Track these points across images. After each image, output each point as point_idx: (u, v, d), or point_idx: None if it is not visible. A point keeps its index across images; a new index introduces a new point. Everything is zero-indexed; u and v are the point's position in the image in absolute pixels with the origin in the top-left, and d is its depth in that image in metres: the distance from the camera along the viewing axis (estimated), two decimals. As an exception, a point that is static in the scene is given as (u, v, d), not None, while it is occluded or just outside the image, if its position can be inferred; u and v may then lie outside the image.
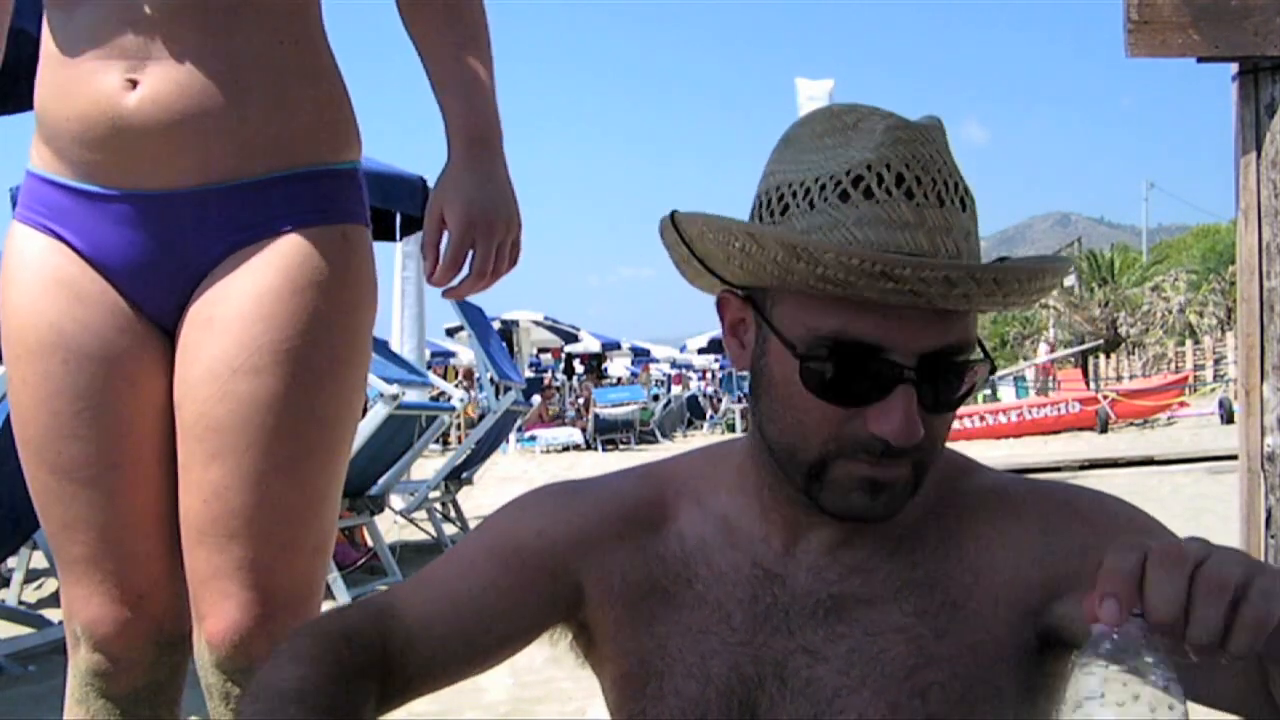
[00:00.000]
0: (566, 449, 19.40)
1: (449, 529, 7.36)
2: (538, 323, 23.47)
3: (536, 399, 19.76)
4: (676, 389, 29.94)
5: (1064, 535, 1.03)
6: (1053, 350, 28.04)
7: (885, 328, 0.93)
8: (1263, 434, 1.75)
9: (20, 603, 4.95)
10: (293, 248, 1.53)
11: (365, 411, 8.00)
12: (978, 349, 0.99)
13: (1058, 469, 10.72)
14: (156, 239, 1.53)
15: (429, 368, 13.13)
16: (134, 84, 1.49)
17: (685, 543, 1.10)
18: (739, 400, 22.96)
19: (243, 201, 1.53)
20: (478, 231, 1.51)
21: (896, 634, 1.02)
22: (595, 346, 27.15)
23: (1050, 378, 23.03)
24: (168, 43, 1.49)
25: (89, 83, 1.50)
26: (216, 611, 1.48)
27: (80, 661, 1.57)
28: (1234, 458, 1.86)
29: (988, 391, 20.64)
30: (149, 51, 1.49)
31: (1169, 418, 20.56)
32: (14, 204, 1.62)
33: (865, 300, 0.92)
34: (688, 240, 1.03)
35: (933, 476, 1.02)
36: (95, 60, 1.49)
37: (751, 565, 1.08)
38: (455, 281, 1.55)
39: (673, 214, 1.05)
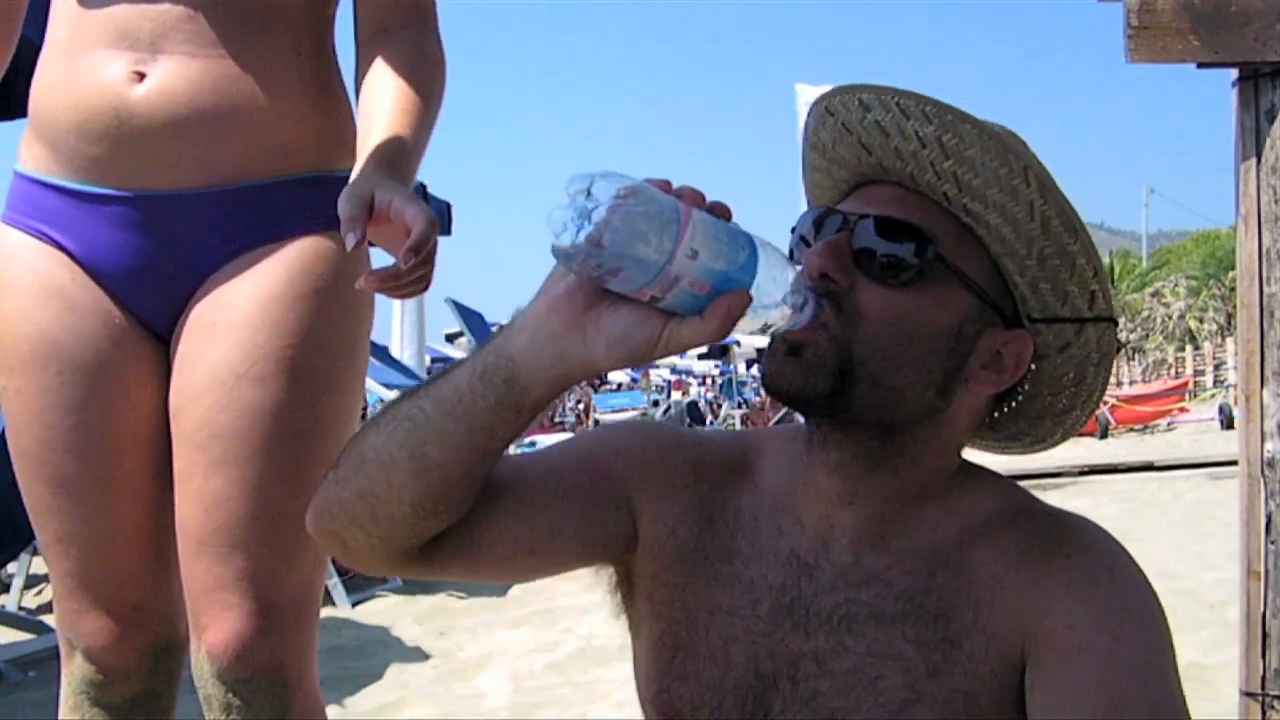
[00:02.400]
0: (566, 454, 19.36)
1: (449, 534, 7.34)
2: (538, 328, 23.39)
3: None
4: (677, 395, 29.91)
5: (1046, 589, 1.00)
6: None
7: (846, 204, 1.08)
8: (1263, 439, 1.74)
9: (20, 608, 4.95)
10: (296, 253, 1.51)
11: (365, 416, 7.99)
12: (952, 262, 1.01)
13: (1058, 474, 10.71)
14: (155, 242, 1.51)
15: (429, 373, 13.14)
16: (141, 76, 1.46)
17: (740, 515, 1.12)
18: (739, 406, 22.95)
19: (246, 205, 1.51)
20: (437, 227, 1.39)
21: (894, 661, 1.01)
22: (595, 352, 27.03)
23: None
24: (182, 39, 1.47)
25: (94, 72, 1.47)
26: (218, 623, 1.46)
27: (75, 670, 1.56)
28: (1234, 463, 1.86)
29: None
30: (161, 45, 1.46)
31: (1169, 423, 20.56)
32: None
33: (850, 180, 1.09)
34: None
35: (880, 393, 1.01)
36: (103, 50, 1.47)
37: (789, 553, 1.08)
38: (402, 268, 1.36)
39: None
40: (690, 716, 1.08)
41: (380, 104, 1.53)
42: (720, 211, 0.90)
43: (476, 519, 1.05)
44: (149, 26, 1.47)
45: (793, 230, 1.10)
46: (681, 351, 0.91)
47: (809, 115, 1.10)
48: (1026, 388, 1.10)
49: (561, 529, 1.10)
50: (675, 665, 1.09)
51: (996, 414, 1.13)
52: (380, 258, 1.51)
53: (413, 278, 1.38)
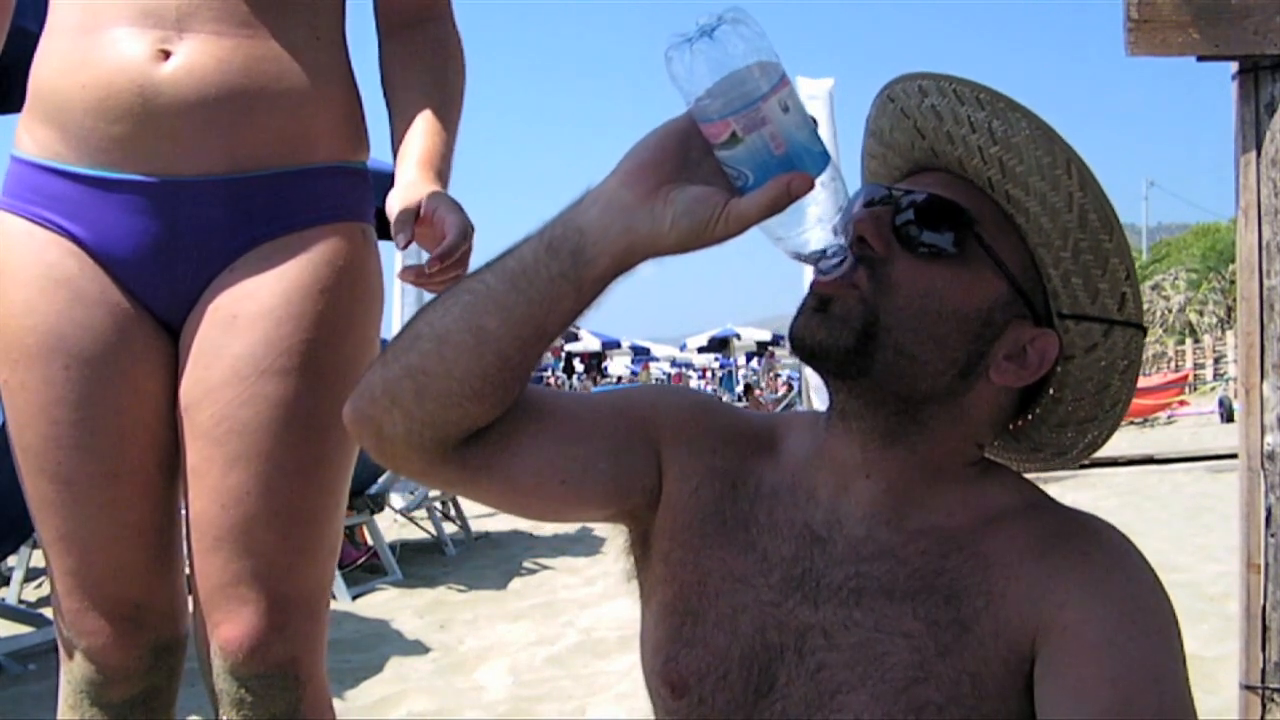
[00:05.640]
0: (566, 448, 19.34)
1: (449, 528, 7.36)
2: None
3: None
4: (676, 388, 29.93)
5: (1062, 584, 1.00)
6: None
7: (900, 182, 1.11)
8: (1263, 432, 1.74)
9: (20, 601, 4.95)
10: (318, 245, 1.50)
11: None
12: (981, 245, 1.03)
13: (1058, 467, 10.68)
14: (171, 229, 1.48)
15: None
16: (167, 55, 1.43)
17: (760, 487, 1.14)
18: (739, 399, 22.96)
19: (268, 194, 1.49)
20: (469, 237, 1.49)
21: (902, 638, 1.02)
22: (595, 345, 27.13)
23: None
24: (209, 17, 1.45)
25: (115, 49, 1.44)
26: (232, 619, 1.45)
27: (74, 669, 1.54)
28: (1234, 456, 1.86)
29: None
30: (188, 24, 1.44)
31: (1169, 416, 20.56)
32: None
33: (903, 168, 1.12)
34: None
35: (898, 357, 1.02)
36: (123, 28, 1.44)
37: (803, 525, 1.10)
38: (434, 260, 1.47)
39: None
40: (696, 687, 1.08)
41: (415, 104, 1.60)
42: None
43: (516, 432, 1.08)
44: (175, 3, 1.44)
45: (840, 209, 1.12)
46: (741, 230, 0.94)
47: (872, 103, 1.13)
48: (1051, 392, 1.10)
49: (594, 464, 1.12)
50: (684, 632, 1.10)
51: (1020, 421, 1.14)
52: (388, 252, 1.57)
53: (446, 276, 1.44)
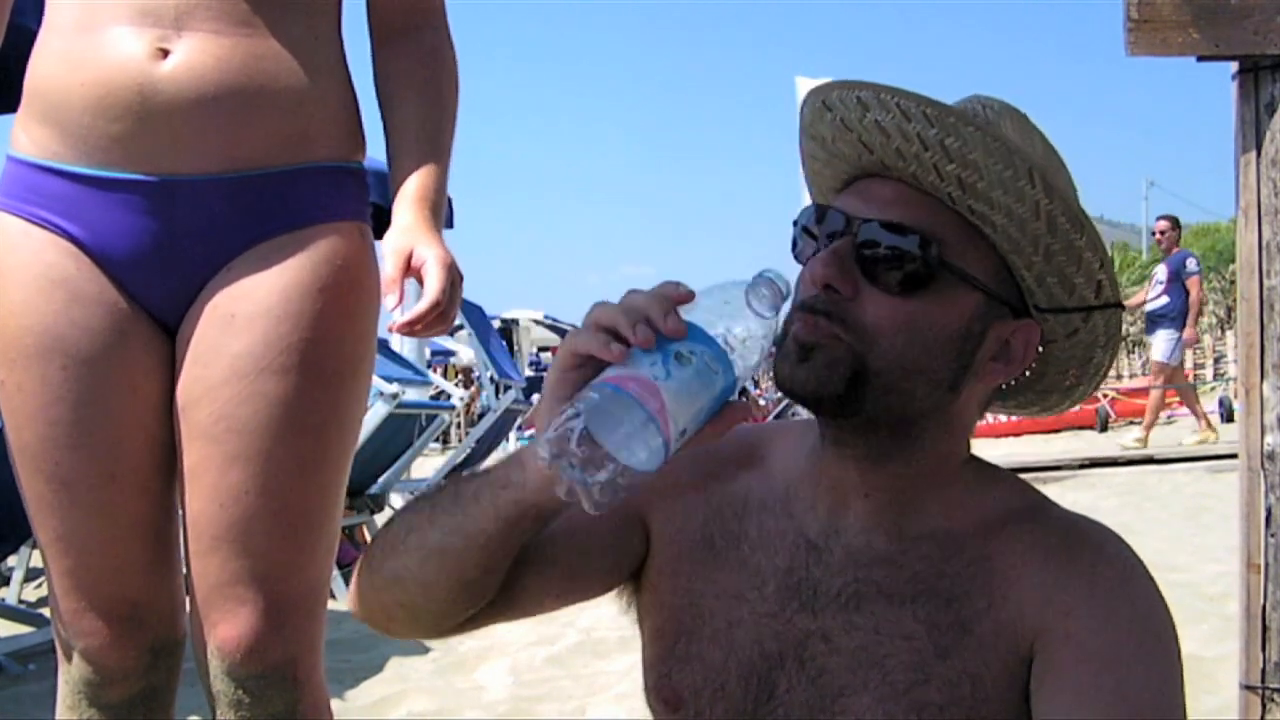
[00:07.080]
0: (566, 447, 19.31)
1: (449, 528, 7.34)
2: (538, 321, 23.38)
3: (536, 398, 19.72)
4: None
5: (1066, 590, 1.01)
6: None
7: (847, 200, 1.06)
8: (1262, 432, 1.74)
9: (20, 601, 4.94)
10: (317, 244, 1.51)
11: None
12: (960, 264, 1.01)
13: (1057, 468, 10.69)
14: (171, 228, 1.48)
15: (429, 366, 13.14)
16: (165, 53, 1.43)
17: (748, 502, 1.14)
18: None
19: (268, 193, 1.49)
20: (454, 276, 1.54)
21: (903, 640, 1.02)
22: (595, 345, 26.99)
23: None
24: (208, 16, 1.45)
25: (114, 48, 1.44)
26: (230, 619, 1.45)
27: (73, 670, 1.54)
28: (1234, 456, 1.86)
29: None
30: (186, 23, 1.44)
31: (1169, 416, 20.53)
32: None
33: (850, 172, 1.08)
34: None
35: (893, 395, 1.02)
36: (122, 26, 1.44)
37: (797, 534, 1.10)
38: (413, 320, 1.54)
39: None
40: (692, 700, 1.09)
41: (410, 125, 1.63)
42: (674, 322, 0.90)
43: (511, 584, 1.10)
44: (173, 2, 1.44)
45: (795, 223, 1.11)
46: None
47: (804, 106, 1.10)
48: (1034, 366, 1.11)
49: (580, 571, 1.16)
50: (678, 649, 1.11)
51: (1004, 387, 1.15)
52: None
53: (431, 331, 1.54)
